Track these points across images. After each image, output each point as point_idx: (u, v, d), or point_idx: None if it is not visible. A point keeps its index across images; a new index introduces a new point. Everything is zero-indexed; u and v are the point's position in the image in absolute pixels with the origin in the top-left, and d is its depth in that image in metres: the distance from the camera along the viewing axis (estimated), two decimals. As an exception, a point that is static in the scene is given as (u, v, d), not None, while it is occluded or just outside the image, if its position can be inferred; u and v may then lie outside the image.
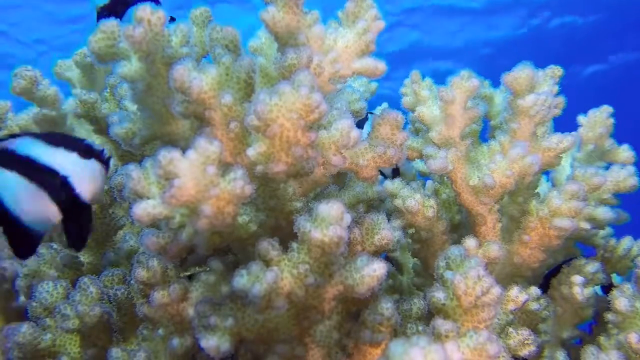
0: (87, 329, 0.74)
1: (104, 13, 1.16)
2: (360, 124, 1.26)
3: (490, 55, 8.23)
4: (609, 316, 0.84)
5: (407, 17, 7.27)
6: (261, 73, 0.67)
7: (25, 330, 0.74)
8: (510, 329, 0.80)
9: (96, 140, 1.19)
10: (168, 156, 0.47)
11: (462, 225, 1.04)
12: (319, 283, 0.57)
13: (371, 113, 1.29)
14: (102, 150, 0.69)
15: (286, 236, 0.60)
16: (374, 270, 0.57)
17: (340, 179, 0.91)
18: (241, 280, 0.54)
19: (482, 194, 0.86)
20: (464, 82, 0.84)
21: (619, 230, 1.10)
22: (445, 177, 0.99)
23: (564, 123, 1.01)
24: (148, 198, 0.52)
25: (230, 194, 0.49)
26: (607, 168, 1.01)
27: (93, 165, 0.68)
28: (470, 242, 0.83)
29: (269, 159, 0.55)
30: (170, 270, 0.69)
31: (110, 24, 0.60)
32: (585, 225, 0.91)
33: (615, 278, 1.09)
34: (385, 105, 1.53)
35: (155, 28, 0.58)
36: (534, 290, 0.87)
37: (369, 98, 1.41)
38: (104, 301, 0.77)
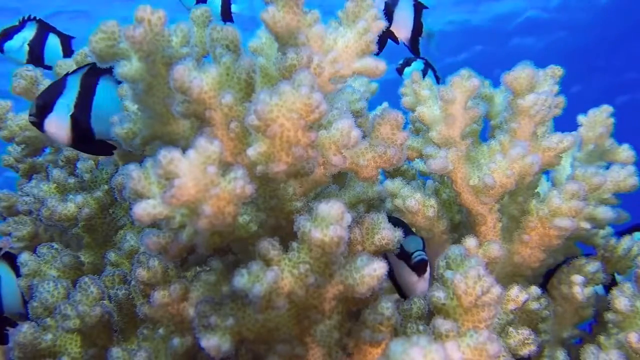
0: (87, 328, 0.74)
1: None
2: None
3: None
4: (609, 315, 0.84)
5: None
6: (261, 73, 0.67)
7: (25, 330, 0.74)
8: (511, 329, 0.80)
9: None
10: (168, 156, 0.47)
11: (462, 225, 1.04)
12: (319, 283, 0.57)
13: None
14: None
15: (287, 236, 0.60)
16: (374, 270, 0.57)
17: (341, 179, 0.91)
18: (241, 280, 0.54)
19: (483, 194, 0.86)
20: (464, 82, 0.84)
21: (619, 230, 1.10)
22: (445, 177, 0.99)
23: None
24: (148, 198, 0.52)
25: (230, 193, 0.49)
26: (607, 167, 1.01)
27: None
28: (470, 242, 0.83)
29: (269, 159, 0.55)
30: (171, 270, 0.69)
31: (111, 23, 0.60)
32: (586, 225, 0.91)
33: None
34: (385, 105, 1.53)
35: (155, 28, 0.58)
36: (534, 290, 0.87)
37: (369, 98, 1.41)
38: (104, 301, 0.77)
